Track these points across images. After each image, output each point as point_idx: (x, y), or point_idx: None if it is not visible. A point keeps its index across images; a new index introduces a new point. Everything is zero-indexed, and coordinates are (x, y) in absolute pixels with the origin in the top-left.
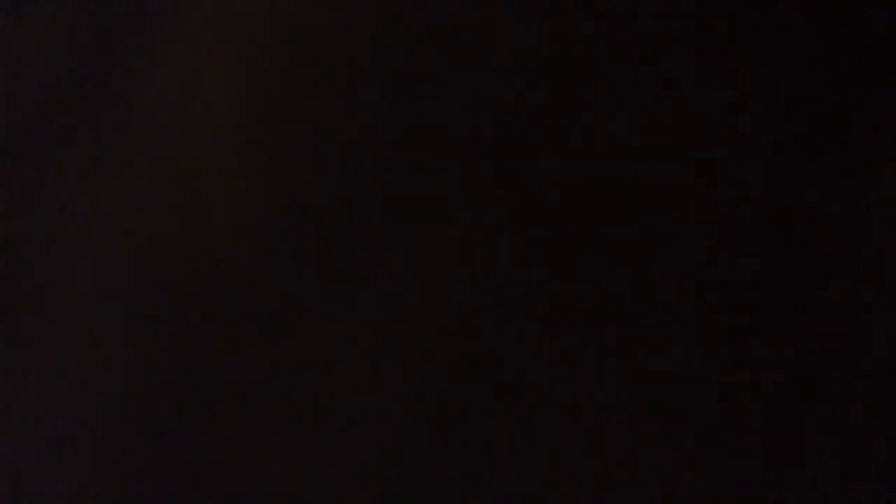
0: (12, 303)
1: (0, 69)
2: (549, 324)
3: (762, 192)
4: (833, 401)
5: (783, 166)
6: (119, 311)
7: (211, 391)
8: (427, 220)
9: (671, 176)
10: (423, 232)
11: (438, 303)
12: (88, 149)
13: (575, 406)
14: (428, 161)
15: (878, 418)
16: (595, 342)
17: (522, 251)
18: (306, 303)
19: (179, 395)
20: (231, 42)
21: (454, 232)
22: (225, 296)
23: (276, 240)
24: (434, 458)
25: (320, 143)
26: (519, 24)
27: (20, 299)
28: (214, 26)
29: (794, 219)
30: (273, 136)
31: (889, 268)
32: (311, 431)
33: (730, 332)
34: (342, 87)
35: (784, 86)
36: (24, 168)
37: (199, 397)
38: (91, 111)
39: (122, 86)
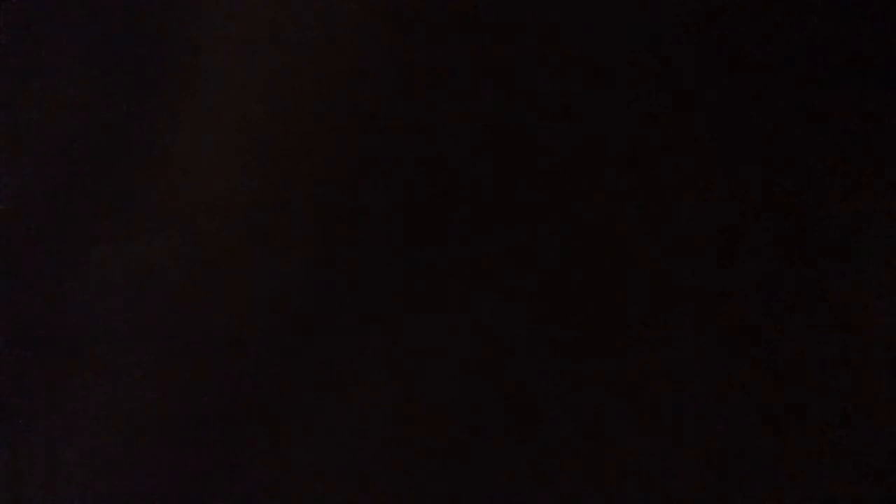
0: (57, 336)
1: (32, 122)
2: (550, 323)
3: (761, 193)
4: (833, 401)
5: (782, 167)
6: (153, 342)
7: (238, 414)
8: (446, 238)
9: (670, 177)
10: (442, 254)
11: (454, 319)
12: (122, 196)
13: (575, 408)
14: (442, 182)
15: (878, 418)
16: (595, 343)
17: (528, 252)
18: (333, 327)
19: (210, 413)
20: (256, 91)
21: (473, 248)
22: (252, 324)
23: (301, 267)
24: (443, 467)
25: (351, 178)
26: (521, 26)
27: (63, 331)
28: (237, 67)
29: (794, 220)
30: (303, 174)
31: (889, 268)
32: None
33: (730, 334)
34: (370, 131)
35: (783, 86)
36: (59, 221)
37: (225, 419)
38: (122, 160)
39: (151, 133)
